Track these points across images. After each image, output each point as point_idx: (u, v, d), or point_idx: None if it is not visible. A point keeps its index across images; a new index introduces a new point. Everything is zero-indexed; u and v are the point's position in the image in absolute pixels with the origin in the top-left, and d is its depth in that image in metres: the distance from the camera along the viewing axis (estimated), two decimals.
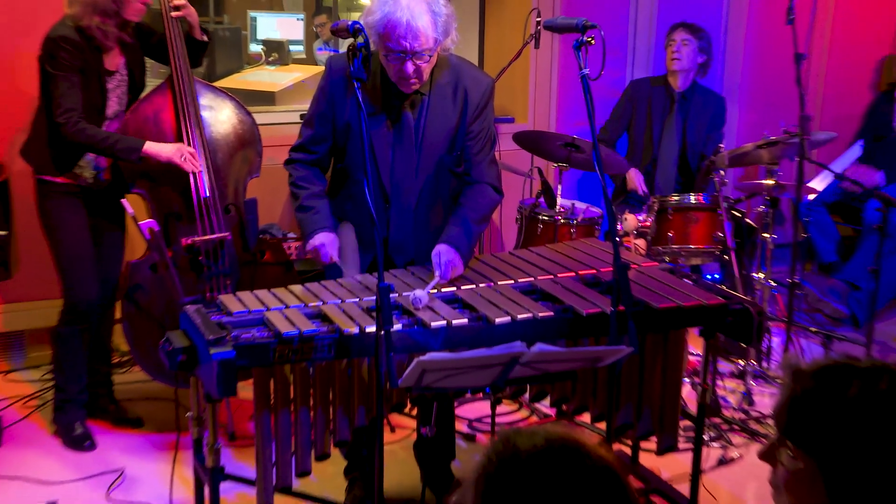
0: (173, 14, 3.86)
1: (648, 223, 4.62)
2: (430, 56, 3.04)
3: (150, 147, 3.71)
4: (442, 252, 3.14)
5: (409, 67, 3.00)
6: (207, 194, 3.87)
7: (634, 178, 5.17)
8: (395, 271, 3.20)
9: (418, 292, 2.91)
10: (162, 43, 3.92)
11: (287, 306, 2.91)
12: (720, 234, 4.50)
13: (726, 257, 4.53)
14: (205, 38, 4.01)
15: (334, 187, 3.36)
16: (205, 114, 3.98)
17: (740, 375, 4.57)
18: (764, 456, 1.62)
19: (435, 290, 3.03)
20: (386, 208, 3.23)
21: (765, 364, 4.72)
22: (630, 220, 4.73)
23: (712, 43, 5.29)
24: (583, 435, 1.38)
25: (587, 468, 1.33)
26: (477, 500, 1.34)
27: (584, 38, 2.79)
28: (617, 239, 2.83)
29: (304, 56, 7.36)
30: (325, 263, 3.18)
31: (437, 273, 3.08)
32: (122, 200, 3.55)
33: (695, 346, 4.22)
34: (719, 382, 4.48)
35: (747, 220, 4.83)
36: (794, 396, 1.55)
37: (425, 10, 2.95)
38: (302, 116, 5.59)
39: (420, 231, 3.30)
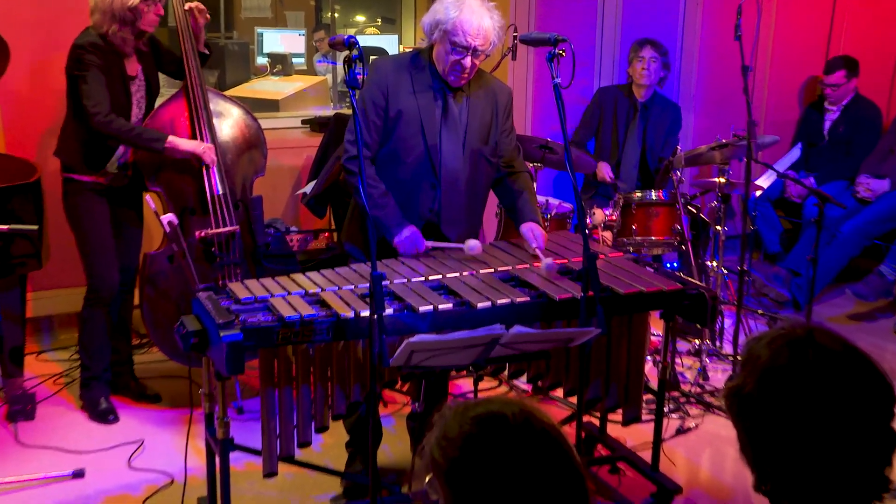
0: (187, 6, 3.85)
1: (614, 217, 4.59)
2: (484, 55, 3.13)
3: (173, 139, 3.70)
4: (533, 229, 3.26)
5: (468, 62, 3.08)
6: (220, 191, 3.86)
7: (603, 169, 5.11)
8: (386, 261, 3.14)
9: (547, 262, 3.05)
10: (175, 62, 3.95)
11: (289, 293, 2.86)
12: (678, 227, 4.49)
13: (683, 248, 4.51)
14: (206, 51, 4.02)
15: (380, 169, 3.26)
16: (216, 120, 3.95)
17: (696, 353, 4.55)
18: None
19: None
20: (434, 186, 3.23)
21: (718, 343, 4.69)
22: (598, 215, 4.70)
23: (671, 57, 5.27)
24: (507, 403, 1.43)
25: (511, 427, 1.38)
26: (444, 486, 1.39)
27: (556, 51, 2.80)
28: (586, 231, 2.82)
29: (305, 67, 7.31)
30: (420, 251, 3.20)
31: (534, 245, 3.20)
32: (146, 197, 3.58)
33: (656, 328, 4.17)
34: (678, 360, 4.45)
35: (702, 215, 4.82)
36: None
37: (488, 16, 3.08)
38: (304, 122, 5.58)
39: (469, 208, 3.32)
